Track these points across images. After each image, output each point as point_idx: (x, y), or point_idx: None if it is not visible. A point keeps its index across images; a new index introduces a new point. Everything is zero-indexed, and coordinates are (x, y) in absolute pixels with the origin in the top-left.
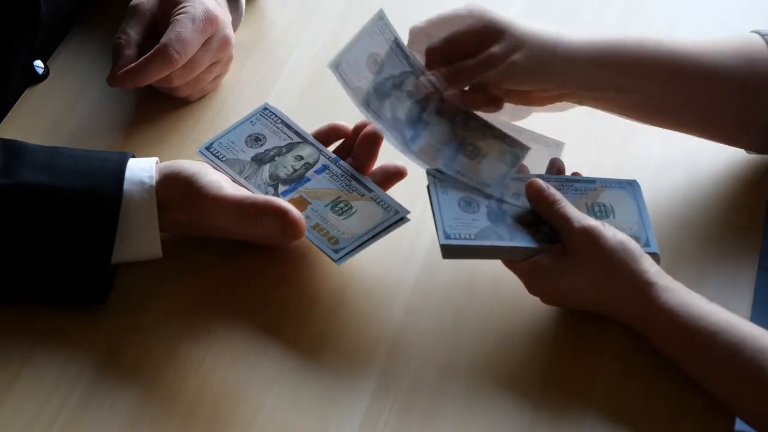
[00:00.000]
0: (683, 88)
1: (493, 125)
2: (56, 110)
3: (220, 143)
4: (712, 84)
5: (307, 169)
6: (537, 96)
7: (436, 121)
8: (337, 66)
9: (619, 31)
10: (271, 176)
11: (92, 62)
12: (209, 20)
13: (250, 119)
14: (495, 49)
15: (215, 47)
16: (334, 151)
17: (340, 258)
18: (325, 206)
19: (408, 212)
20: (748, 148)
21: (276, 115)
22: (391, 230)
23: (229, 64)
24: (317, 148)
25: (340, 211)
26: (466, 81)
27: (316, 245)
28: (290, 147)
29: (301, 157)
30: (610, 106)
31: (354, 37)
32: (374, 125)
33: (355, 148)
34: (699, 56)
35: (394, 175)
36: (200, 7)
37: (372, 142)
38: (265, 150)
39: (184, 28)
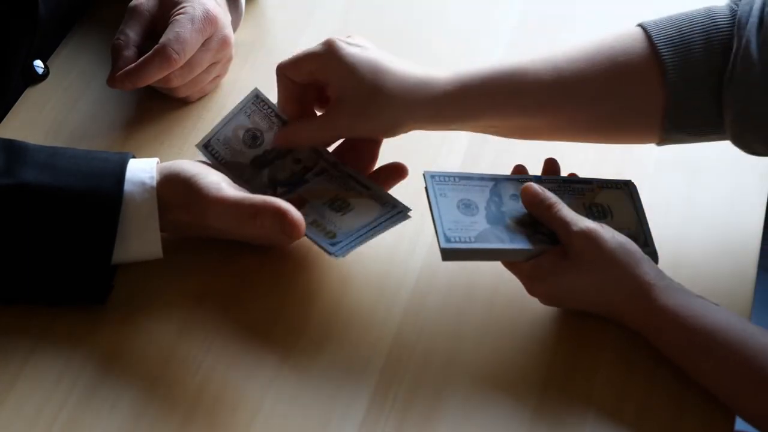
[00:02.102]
0: (543, 114)
1: (372, 186)
2: (56, 110)
3: (217, 140)
4: (572, 102)
5: (306, 172)
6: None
7: (317, 180)
8: (205, 146)
9: (497, 61)
10: (270, 179)
11: (92, 62)
12: (208, 20)
13: (243, 109)
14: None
15: (214, 47)
16: (333, 152)
17: (340, 250)
18: (323, 204)
19: (409, 209)
20: (641, 142)
21: (269, 107)
22: (393, 224)
23: (229, 64)
24: (315, 150)
25: (338, 208)
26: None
27: (314, 241)
28: (289, 149)
29: (299, 160)
30: (484, 131)
31: (226, 116)
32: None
33: (355, 148)
34: (562, 84)
35: (396, 174)
36: (199, 7)
37: (372, 144)
38: (264, 152)
39: (183, 29)
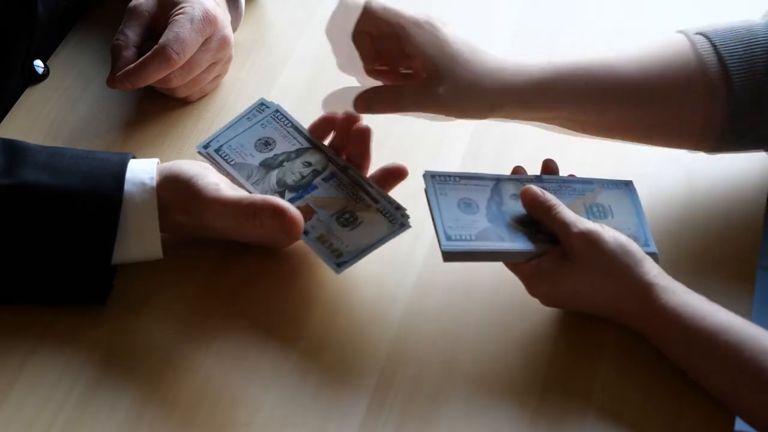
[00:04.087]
0: (614, 111)
1: (381, 199)
2: (56, 110)
3: (230, 146)
4: (643, 103)
5: (315, 176)
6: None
7: (326, 187)
8: (205, 147)
9: (555, 57)
10: (278, 182)
11: (92, 62)
12: (208, 20)
13: (260, 122)
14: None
15: (214, 47)
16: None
17: (343, 268)
18: (331, 216)
19: (410, 226)
20: (694, 149)
21: (287, 119)
22: (395, 236)
23: (229, 64)
24: (327, 154)
25: (346, 222)
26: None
27: (320, 257)
28: (299, 152)
29: (310, 164)
30: (550, 123)
31: (233, 125)
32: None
33: (348, 146)
34: (627, 78)
35: (396, 176)
36: (198, 7)
37: (362, 138)
38: (274, 155)
39: (182, 29)
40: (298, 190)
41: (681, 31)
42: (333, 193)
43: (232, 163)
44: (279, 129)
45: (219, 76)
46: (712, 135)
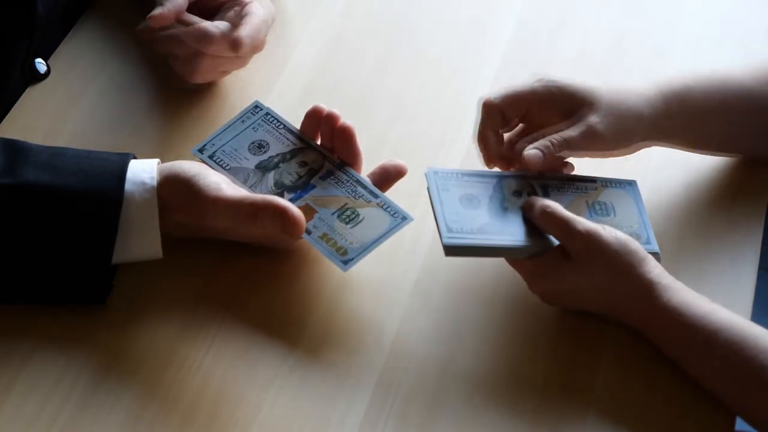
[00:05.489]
0: (747, 122)
1: (379, 194)
2: (57, 109)
3: (223, 151)
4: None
5: (312, 176)
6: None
7: (324, 185)
8: (200, 151)
9: (679, 73)
10: (276, 184)
11: (93, 61)
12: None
13: (252, 125)
14: (590, 119)
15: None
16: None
17: (349, 266)
18: (332, 214)
19: (412, 218)
20: None
21: (278, 120)
22: (398, 230)
23: (241, 67)
24: (321, 153)
25: (347, 219)
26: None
27: (323, 254)
28: (294, 153)
29: (306, 163)
30: (675, 146)
31: (224, 126)
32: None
33: (336, 146)
34: (758, 89)
35: (394, 174)
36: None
37: (347, 137)
38: (269, 157)
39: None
40: (297, 190)
41: None
42: (332, 191)
43: (228, 167)
44: (271, 131)
45: (226, 72)
46: None
